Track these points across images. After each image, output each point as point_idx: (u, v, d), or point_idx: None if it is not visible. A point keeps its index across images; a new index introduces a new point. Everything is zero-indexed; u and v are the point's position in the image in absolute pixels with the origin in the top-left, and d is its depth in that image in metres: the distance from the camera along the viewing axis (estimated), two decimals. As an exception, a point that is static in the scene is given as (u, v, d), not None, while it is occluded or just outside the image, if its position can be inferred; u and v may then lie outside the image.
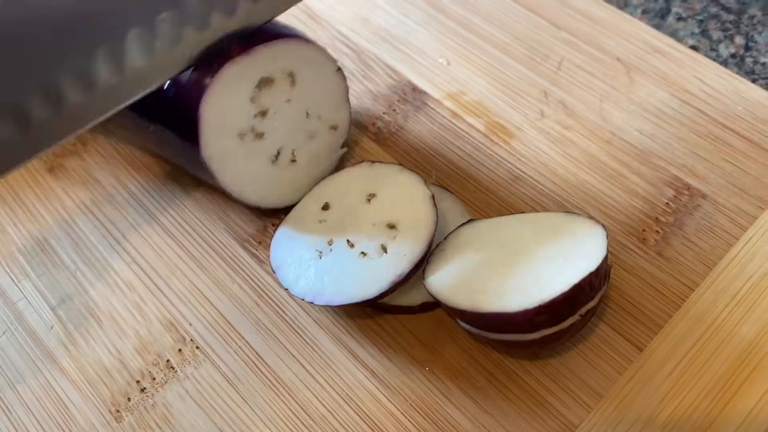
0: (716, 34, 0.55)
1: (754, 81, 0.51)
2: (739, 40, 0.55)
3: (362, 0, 0.57)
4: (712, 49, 0.54)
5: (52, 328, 0.43)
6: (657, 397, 0.38)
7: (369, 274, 0.39)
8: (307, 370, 0.40)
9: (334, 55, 0.53)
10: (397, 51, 0.53)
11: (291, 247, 0.42)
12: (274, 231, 0.44)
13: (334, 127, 0.46)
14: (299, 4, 0.57)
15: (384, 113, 0.50)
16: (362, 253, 0.40)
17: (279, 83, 0.42)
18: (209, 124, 0.39)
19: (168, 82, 0.39)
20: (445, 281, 0.38)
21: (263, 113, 0.42)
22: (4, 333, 0.43)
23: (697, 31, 0.55)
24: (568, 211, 0.43)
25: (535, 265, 0.37)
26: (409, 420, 0.38)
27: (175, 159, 0.45)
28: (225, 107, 0.39)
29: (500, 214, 0.45)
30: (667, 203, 0.45)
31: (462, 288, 0.37)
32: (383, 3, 0.56)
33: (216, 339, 0.42)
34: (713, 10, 0.57)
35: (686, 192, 0.45)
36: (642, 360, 0.39)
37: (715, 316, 0.40)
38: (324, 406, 0.39)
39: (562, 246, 0.37)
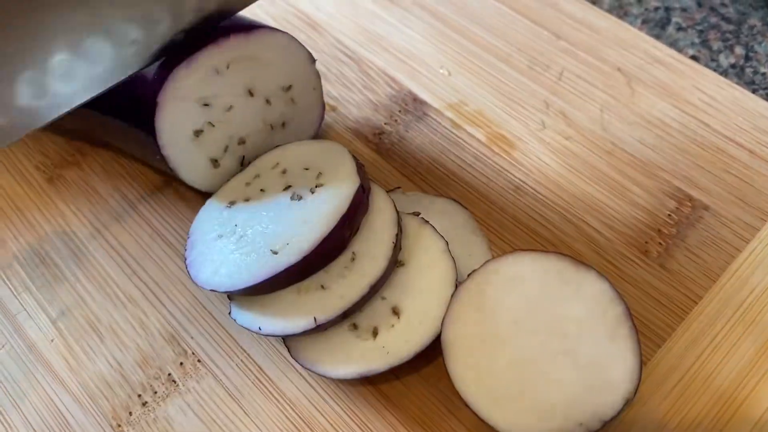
0: (716, 44, 0.55)
1: (754, 91, 0.51)
2: (739, 50, 0.55)
3: (363, 10, 0.57)
4: (713, 60, 0.54)
5: (52, 341, 0.43)
6: (662, 410, 0.38)
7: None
8: (310, 384, 0.40)
9: (336, 65, 0.53)
10: (398, 61, 0.53)
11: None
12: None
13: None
14: (300, 14, 0.57)
15: (385, 123, 0.50)
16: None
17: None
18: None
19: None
20: (469, 377, 0.36)
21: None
22: (3, 346, 0.43)
23: (697, 41, 0.56)
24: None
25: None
26: (412, 434, 0.38)
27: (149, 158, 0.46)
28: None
29: (502, 225, 0.45)
30: (669, 215, 0.45)
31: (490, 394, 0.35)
32: (384, 13, 0.56)
33: (218, 352, 0.41)
34: (713, 20, 0.57)
35: (688, 203, 0.45)
36: (646, 373, 0.39)
37: (719, 329, 0.40)
38: (327, 420, 0.39)
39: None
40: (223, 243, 0.40)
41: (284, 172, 0.43)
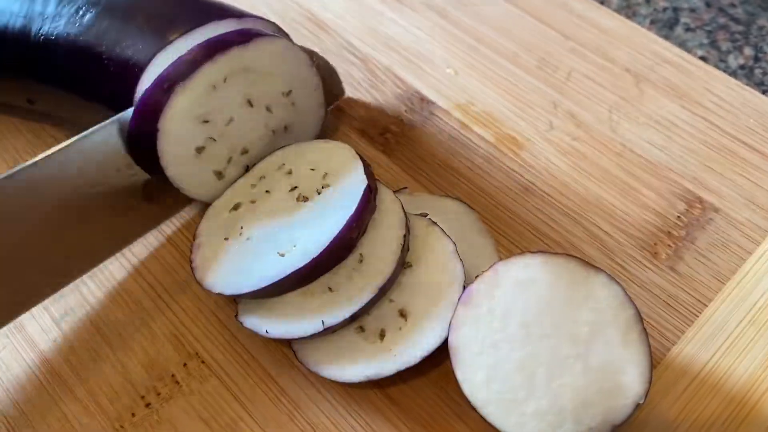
0: (725, 45, 0.55)
1: (763, 92, 0.51)
2: (748, 50, 0.54)
3: (371, 9, 0.56)
4: (721, 60, 0.54)
5: (55, 341, 0.42)
6: (673, 413, 0.37)
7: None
8: (316, 387, 0.39)
9: (342, 65, 0.53)
10: (405, 60, 0.53)
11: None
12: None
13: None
14: (307, 13, 0.56)
15: (392, 123, 0.50)
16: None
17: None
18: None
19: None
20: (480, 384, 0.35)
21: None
22: (5, 347, 0.43)
23: (705, 41, 0.55)
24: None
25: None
26: (419, 438, 0.38)
27: None
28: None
29: (510, 226, 0.44)
30: (678, 217, 0.44)
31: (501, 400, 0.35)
32: (392, 12, 0.56)
33: (222, 354, 0.41)
34: (722, 20, 0.57)
35: (698, 205, 0.44)
36: (656, 375, 0.38)
37: (729, 332, 0.39)
38: (333, 423, 0.38)
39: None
40: (230, 245, 0.40)
41: (290, 172, 0.42)
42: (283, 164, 0.43)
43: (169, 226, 0.46)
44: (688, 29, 0.56)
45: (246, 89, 0.42)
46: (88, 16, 0.41)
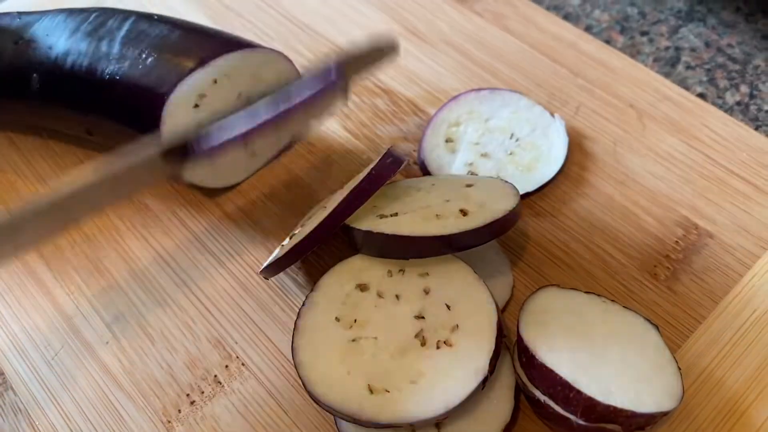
0: (723, 83, 0.59)
1: (757, 128, 0.55)
2: (744, 88, 0.59)
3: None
4: (719, 97, 0.58)
5: (107, 343, 0.47)
6: (667, 418, 0.41)
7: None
8: (345, 388, 0.43)
9: (367, 96, 0.58)
10: (426, 93, 0.58)
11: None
12: (313, 260, 0.48)
13: None
14: (337, 50, 0.61)
15: (414, 150, 0.54)
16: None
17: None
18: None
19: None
20: None
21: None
22: (62, 346, 0.47)
23: (704, 79, 0.60)
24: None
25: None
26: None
27: None
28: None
29: (523, 248, 0.49)
30: (676, 241, 0.48)
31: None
32: (414, 49, 0.61)
33: (260, 357, 0.45)
34: (720, 59, 0.61)
35: (694, 231, 0.49)
36: (653, 386, 0.42)
37: (721, 347, 0.43)
38: (361, 421, 0.42)
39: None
40: (335, 335, 0.40)
41: (427, 292, 0.41)
42: (427, 274, 0.41)
43: (209, 239, 0.51)
44: (688, 67, 0.61)
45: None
46: (150, 60, 0.46)
